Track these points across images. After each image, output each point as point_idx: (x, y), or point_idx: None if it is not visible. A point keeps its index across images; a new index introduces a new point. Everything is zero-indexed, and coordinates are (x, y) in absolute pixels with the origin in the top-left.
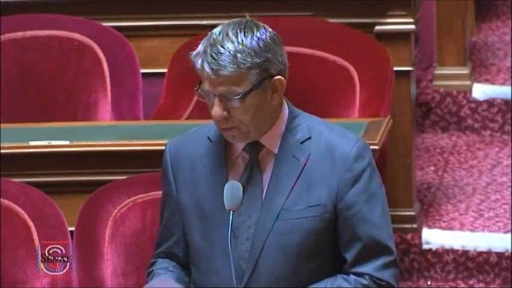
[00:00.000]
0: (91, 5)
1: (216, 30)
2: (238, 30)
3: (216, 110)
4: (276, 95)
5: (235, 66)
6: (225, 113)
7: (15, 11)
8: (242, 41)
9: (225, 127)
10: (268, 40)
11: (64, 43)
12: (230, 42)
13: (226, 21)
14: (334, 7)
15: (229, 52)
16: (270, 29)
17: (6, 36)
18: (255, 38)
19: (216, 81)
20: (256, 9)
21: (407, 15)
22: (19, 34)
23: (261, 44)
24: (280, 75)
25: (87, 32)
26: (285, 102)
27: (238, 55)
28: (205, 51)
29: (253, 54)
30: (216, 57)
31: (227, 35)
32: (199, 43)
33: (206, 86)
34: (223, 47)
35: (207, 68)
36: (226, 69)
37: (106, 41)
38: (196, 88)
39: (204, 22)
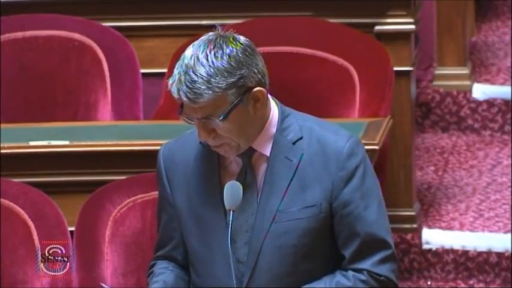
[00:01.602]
0: (91, 5)
1: (187, 54)
2: (208, 51)
3: (202, 133)
4: (258, 105)
5: (210, 91)
6: (211, 134)
7: (15, 11)
8: (213, 62)
9: (214, 145)
10: (240, 55)
11: (64, 43)
12: (202, 67)
13: (198, 40)
14: (334, 7)
15: (203, 78)
16: (242, 39)
17: (6, 36)
18: (225, 57)
19: (195, 107)
20: (256, 9)
21: (407, 15)
22: (19, 34)
23: (232, 62)
24: (259, 85)
25: (87, 32)
26: (273, 102)
27: (212, 79)
28: (179, 80)
29: (226, 74)
30: (190, 86)
31: (198, 59)
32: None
33: (187, 111)
34: (195, 74)
35: (183, 97)
36: (202, 96)
37: (106, 41)
38: (178, 113)
39: (204, 22)
